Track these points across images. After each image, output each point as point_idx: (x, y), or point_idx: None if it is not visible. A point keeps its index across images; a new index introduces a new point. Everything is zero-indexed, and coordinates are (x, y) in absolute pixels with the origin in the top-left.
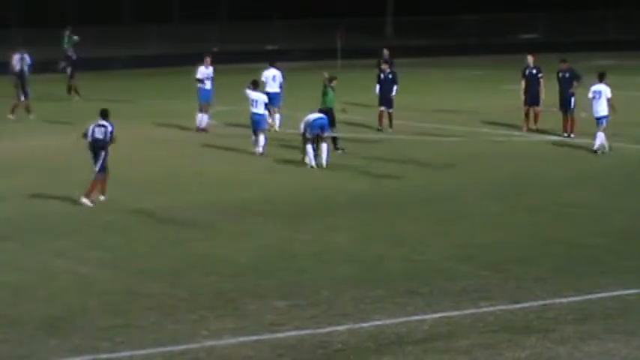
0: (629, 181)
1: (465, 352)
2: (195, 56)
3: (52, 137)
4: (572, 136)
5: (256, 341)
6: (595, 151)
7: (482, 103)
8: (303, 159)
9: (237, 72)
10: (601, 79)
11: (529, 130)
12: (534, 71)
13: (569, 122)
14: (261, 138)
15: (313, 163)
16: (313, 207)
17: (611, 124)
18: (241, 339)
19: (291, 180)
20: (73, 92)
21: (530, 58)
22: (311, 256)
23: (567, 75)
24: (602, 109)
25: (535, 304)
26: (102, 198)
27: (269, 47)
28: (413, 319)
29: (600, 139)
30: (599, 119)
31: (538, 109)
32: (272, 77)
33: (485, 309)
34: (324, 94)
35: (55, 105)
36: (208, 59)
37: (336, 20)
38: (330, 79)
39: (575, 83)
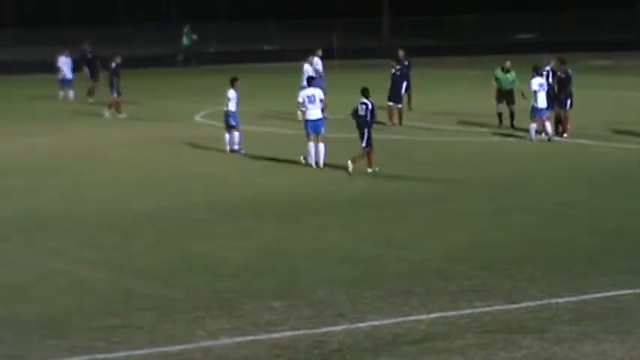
0: (624, 181)
1: (461, 352)
2: (193, 56)
3: (51, 138)
4: (564, 135)
5: (252, 341)
6: (549, 140)
7: (479, 104)
8: (305, 159)
9: (235, 72)
10: (537, 71)
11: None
12: (563, 75)
13: (564, 122)
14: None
15: (312, 161)
16: (309, 207)
17: (607, 124)
18: (237, 339)
19: (287, 180)
20: (92, 94)
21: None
22: (307, 256)
23: (564, 75)
24: (545, 100)
25: (531, 304)
26: (369, 170)
27: (266, 47)
28: (409, 319)
29: (549, 128)
30: (543, 110)
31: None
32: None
33: (481, 309)
34: (496, 78)
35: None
36: (319, 52)
37: (332, 20)
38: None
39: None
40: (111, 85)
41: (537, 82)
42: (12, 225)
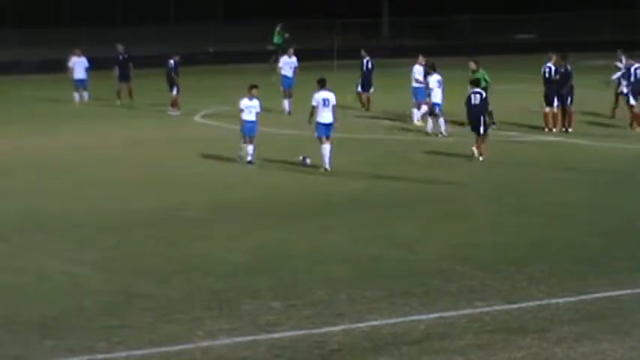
0: (623, 182)
1: (461, 352)
2: (192, 56)
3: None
4: (570, 130)
5: (252, 341)
6: (445, 135)
7: None
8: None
9: (234, 72)
10: (435, 69)
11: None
12: (562, 70)
13: (568, 117)
14: (251, 147)
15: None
16: (309, 207)
17: (607, 124)
18: (237, 339)
19: (286, 180)
20: (129, 95)
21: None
22: (307, 257)
23: (563, 70)
24: (440, 96)
25: (530, 304)
26: (480, 159)
27: (266, 47)
28: (409, 319)
29: (444, 123)
30: (439, 105)
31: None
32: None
33: (480, 309)
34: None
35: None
36: (291, 50)
37: (331, 21)
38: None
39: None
40: (170, 82)
41: (435, 79)
42: (12, 225)
